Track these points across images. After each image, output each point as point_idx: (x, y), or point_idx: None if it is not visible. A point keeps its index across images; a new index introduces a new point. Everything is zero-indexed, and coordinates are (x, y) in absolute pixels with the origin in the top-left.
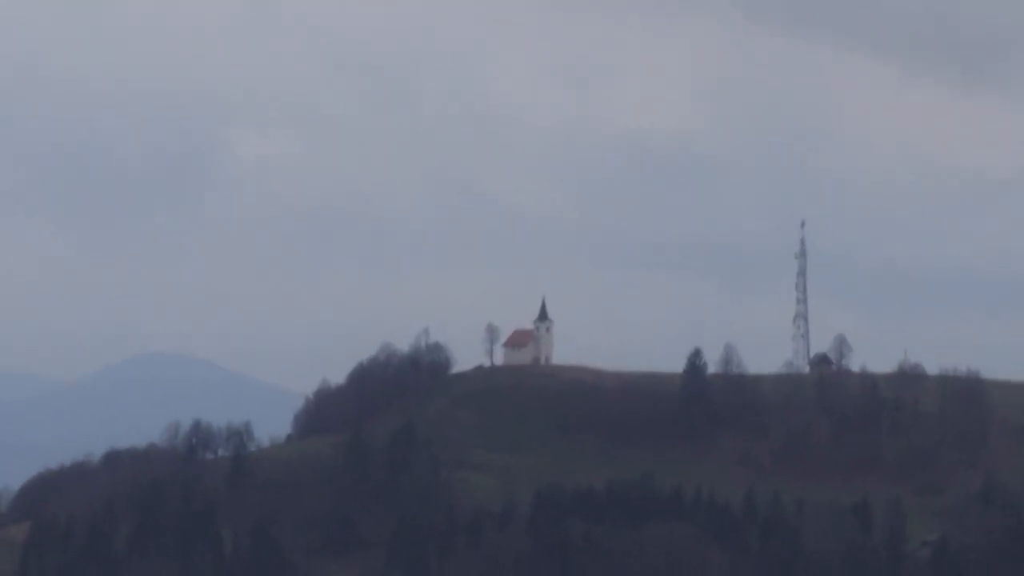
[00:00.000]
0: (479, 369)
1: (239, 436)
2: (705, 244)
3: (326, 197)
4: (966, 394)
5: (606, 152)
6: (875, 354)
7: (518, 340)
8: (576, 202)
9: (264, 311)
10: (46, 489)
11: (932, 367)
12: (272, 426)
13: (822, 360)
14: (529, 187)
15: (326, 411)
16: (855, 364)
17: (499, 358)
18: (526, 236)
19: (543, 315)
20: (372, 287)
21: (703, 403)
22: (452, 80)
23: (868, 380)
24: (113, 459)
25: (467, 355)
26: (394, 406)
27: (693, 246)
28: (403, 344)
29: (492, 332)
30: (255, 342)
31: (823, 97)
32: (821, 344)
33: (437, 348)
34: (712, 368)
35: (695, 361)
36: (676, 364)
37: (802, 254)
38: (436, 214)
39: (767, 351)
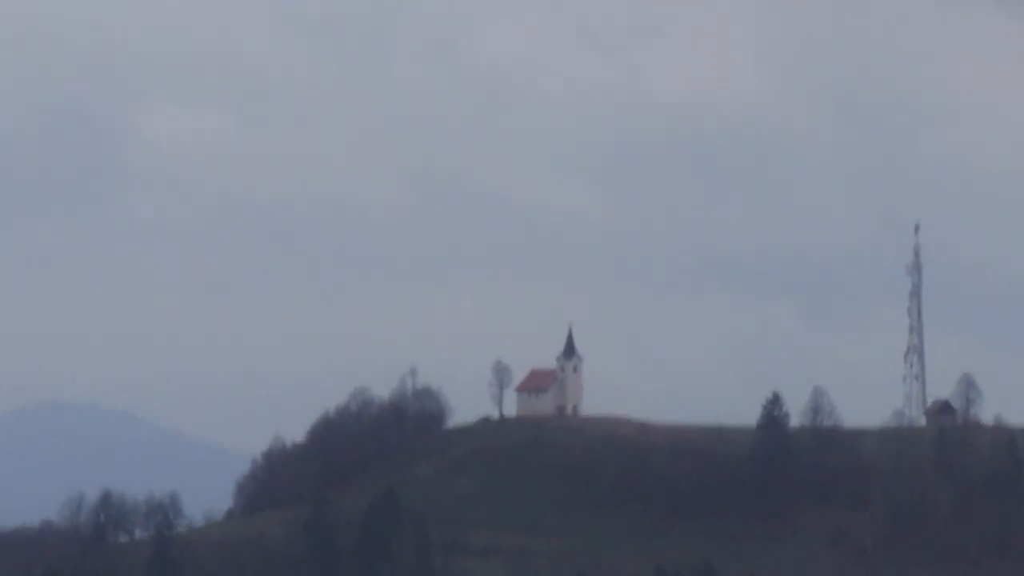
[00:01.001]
0: (484, 422)
1: (163, 511)
2: (781, 256)
3: (273, 195)
4: None
5: (643, 135)
6: (1013, 401)
7: (536, 383)
8: (606, 200)
9: (197, 347)
10: None
11: None
12: (208, 497)
13: (943, 409)
14: (543, 180)
15: (280, 478)
16: (987, 414)
17: (511, 407)
18: (543, 246)
19: (569, 350)
20: (339, 314)
21: (784, 466)
22: (437, 42)
23: (1004, 435)
24: None
25: (468, 403)
26: (371, 471)
27: (764, 258)
28: (382, 389)
29: (501, 372)
30: (185, 388)
31: (936, 59)
32: (941, 388)
33: (428, 394)
34: (795, 420)
35: (772, 411)
36: (747, 415)
37: (916, 269)
38: (421, 217)
39: (869, 398)
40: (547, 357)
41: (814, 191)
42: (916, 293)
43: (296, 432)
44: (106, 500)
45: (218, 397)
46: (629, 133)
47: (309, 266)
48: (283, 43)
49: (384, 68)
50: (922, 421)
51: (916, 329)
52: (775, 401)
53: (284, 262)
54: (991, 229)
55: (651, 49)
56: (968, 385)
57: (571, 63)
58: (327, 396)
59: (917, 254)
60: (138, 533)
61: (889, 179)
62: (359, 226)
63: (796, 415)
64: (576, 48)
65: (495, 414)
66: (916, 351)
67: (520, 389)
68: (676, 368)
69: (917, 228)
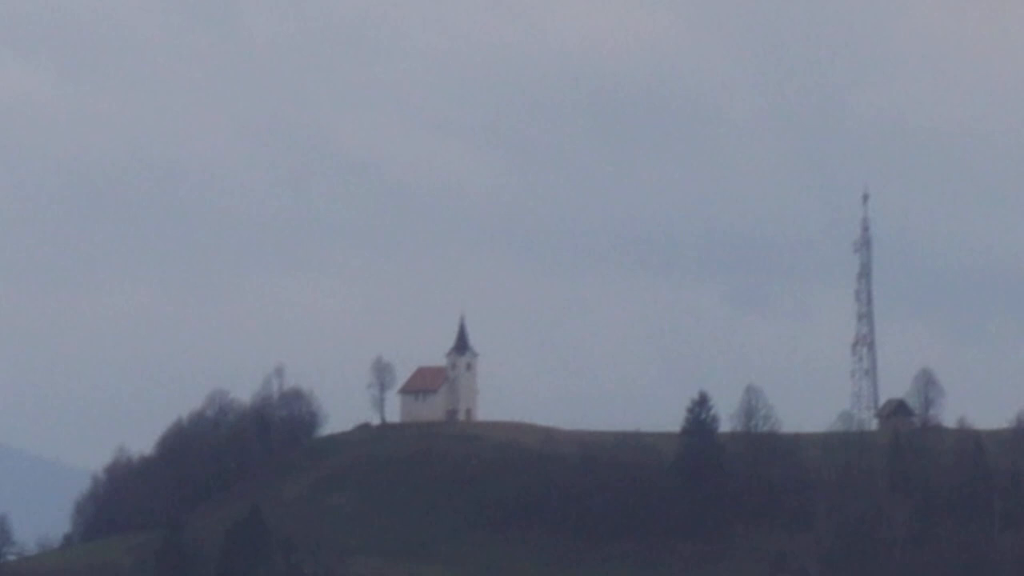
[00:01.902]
0: (363, 429)
1: None
2: (705, 231)
3: (103, 166)
4: None
5: (536, 89)
6: (979, 399)
7: (423, 383)
8: (495, 167)
9: (21, 345)
10: None
11: None
12: (42, 520)
13: (898, 410)
14: (418, 144)
15: (125, 497)
16: (949, 415)
17: (394, 411)
18: (425, 221)
19: (461, 344)
20: (189, 304)
21: (714, 479)
22: None
23: (969, 440)
24: None
25: (344, 407)
26: (232, 488)
27: (686, 233)
28: (243, 392)
29: (382, 371)
30: (9, 393)
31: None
32: (896, 385)
33: (297, 397)
34: (726, 425)
35: (699, 414)
36: (670, 419)
37: (864, 245)
38: (279, 188)
39: (811, 398)
40: (435, 353)
41: (742, 154)
42: (865, 274)
43: (143, 444)
44: None
45: (50, 403)
46: (519, 86)
47: (150, 248)
48: None
49: (232, 16)
50: (874, 425)
51: (866, 316)
52: (702, 402)
53: (120, 244)
54: (951, 198)
55: None
56: (927, 382)
57: (452, 7)
58: (178, 401)
59: (866, 228)
60: None
61: (829, 139)
62: (206, 200)
63: (727, 419)
64: None
65: (375, 420)
66: (866, 342)
67: (404, 390)
68: (586, 365)
69: (865, 198)
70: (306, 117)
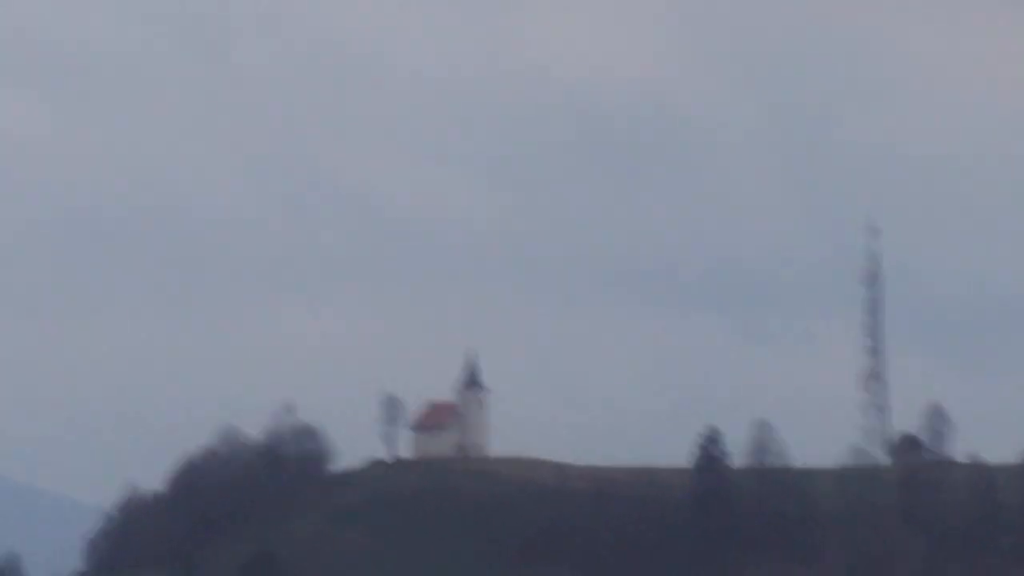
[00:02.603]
0: (375, 465)
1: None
2: (709, 262)
3: (103, 195)
4: None
5: (531, 117)
6: (990, 434)
7: (434, 419)
8: (502, 198)
9: (31, 379)
10: None
11: None
12: (54, 558)
13: (910, 445)
14: (413, 174)
15: (138, 534)
16: (961, 451)
17: (405, 448)
18: (431, 252)
19: (472, 380)
20: (196, 338)
21: (724, 514)
22: (277, 6)
23: (981, 476)
24: None
25: (354, 443)
26: (243, 525)
27: (691, 266)
28: (253, 428)
29: (393, 407)
30: (20, 430)
31: (887, 26)
32: (907, 420)
33: (308, 434)
34: (737, 460)
35: (710, 449)
36: (681, 454)
37: (874, 279)
38: (279, 220)
39: (822, 432)
40: (447, 388)
41: (744, 183)
42: (876, 309)
43: (155, 480)
44: None
45: (60, 440)
46: (519, 117)
47: (152, 281)
48: (95, 15)
49: (217, 44)
50: (886, 460)
51: (876, 351)
52: (713, 437)
53: (123, 277)
54: (962, 233)
55: (534, 12)
56: (937, 416)
57: (441, 36)
58: (190, 437)
59: (875, 262)
60: None
61: (831, 168)
62: (206, 232)
63: (738, 454)
64: (447, 16)
65: (386, 456)
66: (876, 376)
67: (415, 427)
68: (597, 399)
69: (875, 232)
70: (305, 146)
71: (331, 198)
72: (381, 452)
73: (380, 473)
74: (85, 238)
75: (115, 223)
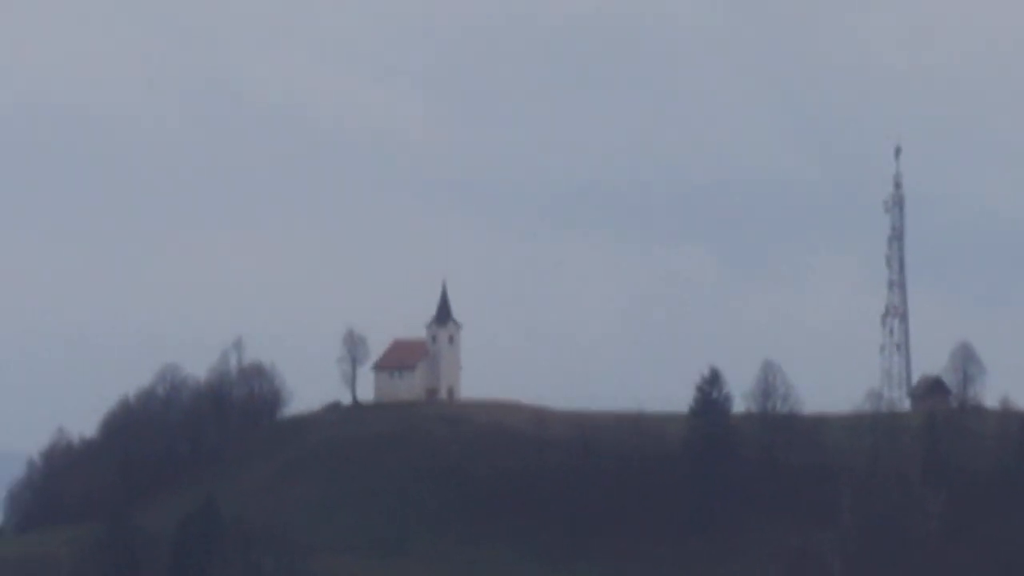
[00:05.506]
0: (332, 409)
1: None
2: (688, 185)
3: (11, 110)
4: None
5: (494, 29)
6: None
7: (400, 358)
8: (454, 117)
9: None
10: None
11: None
12: None
13: (933, 388)
14: (366, 93)
15: (65, 484)
16: (990, 395)
17: (368, 390)
18: (383, 176)
19: (443, 314)
20: (133, 267)
21: (725, 465)
22: None
23: (1013, 422)
24: None
25: (311, 385)
26: (184, 475)
27: (669, 190)
28: (198, 367)
29: (354, 344)
30: None
31: None
32: (931, 360)
33: (258, 373)
34: (740, 405)
35: (710, 393)
36: (677, 398)
37: (897, 204)
38: (198, 133)
39: (835, 375)
40: (414, 324)
41: (730, 97)
42: (898, 237)
43: (85, 425)
44: None
45: None
46: (469, 27)
47: (73, 205)
48: None
49: None
50: (907, 405)
51: (898, 284)
52: (713, 380)
53: (38, 200)
54: (993, 156)
55: None
56: (966, 357)
57: None
58: (124, 377)
59: (898, 185)
60: None
61: (824, 70)
62: (127, 152)
63: (741, 397)
64: None
65: (346, 399)
66: (898, 313)
67: (379, 366)
68: (581, 336)
69: (898, 151)
70: (236, 63)
71: (264, 119)
72: (340, 395)
73: (338, 418)
74: None
75: (24, 141)
